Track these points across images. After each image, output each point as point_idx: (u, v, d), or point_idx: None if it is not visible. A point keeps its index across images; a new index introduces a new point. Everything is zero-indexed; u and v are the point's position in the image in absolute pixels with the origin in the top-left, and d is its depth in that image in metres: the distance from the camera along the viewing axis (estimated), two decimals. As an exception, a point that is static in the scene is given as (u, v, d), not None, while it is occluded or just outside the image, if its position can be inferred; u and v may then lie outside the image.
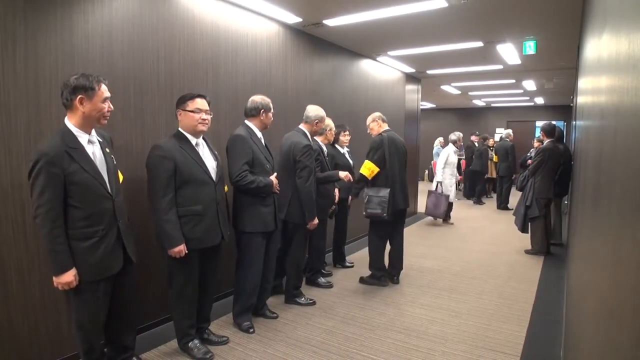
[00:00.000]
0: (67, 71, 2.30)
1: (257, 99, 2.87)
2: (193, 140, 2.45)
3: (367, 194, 3.61)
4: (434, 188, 6.48)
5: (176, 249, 2.33)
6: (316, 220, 3.19)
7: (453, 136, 6.90)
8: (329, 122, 3.76)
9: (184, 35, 3.00)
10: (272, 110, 2.91)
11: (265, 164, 2.81)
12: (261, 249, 2.84)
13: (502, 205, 8.04)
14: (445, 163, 6.54)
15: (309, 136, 3.26)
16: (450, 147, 6.73)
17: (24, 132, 2.15)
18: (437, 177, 6.54)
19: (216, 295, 3.28)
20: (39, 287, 2.24)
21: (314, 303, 3.36)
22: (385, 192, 3.54)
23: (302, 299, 3.37)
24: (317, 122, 3.28)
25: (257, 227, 2.78)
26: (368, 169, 3.60)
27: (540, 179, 4.72)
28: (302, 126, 3.30)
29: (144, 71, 2.75)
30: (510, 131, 8.54)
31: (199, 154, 2.45)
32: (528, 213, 4.78)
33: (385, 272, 3.86)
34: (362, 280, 3.91)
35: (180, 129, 2.46)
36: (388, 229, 3.75)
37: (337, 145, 4.12)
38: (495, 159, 8.41)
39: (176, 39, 2.94)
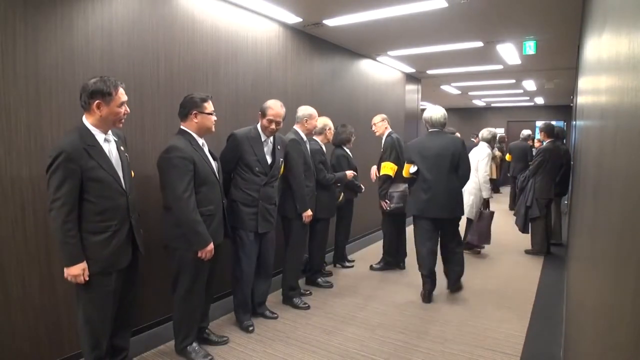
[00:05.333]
0: (67, 71, 2.31)
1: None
2: (200, 141, 2.46)
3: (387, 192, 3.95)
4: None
5: (209, 248, 2.37)
6: (309, 212, 3.24)
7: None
8: (327, 122, 3.74)
9: (183, 36, 2.99)
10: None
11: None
12: (251, 247, 2.86)
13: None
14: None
15: (302, 135, 3.32)
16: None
17: (24, 132, 2.15)
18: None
19: (216, 295, 3.28)
20: (38, 287, 2.23)
21: (308, 307, 3.29)
22: (404, 187, 3.83)
23: (298, 300, 3.32)
24: (306, 120, 3.31)
25: (245, 226, 2.84)
26: (390, 168, 3.88)
27: (541, 179, 4.71)
28: (295, 127, 3.36)
29: (144, 71, 2.74)
30: (529, 132, 7.96)
31: (206, 154, 2.47)
32: (529, 213, 4.78)
33: (396, 259, 4.23)
34: (372, 267, 4.27)
35: (187, 129, 2.43)
36: (402, 220, 4.13)
37: (346, 148, 4.09)
38: (508, 157, 8.19)
39: (176, 39, 2.94)
